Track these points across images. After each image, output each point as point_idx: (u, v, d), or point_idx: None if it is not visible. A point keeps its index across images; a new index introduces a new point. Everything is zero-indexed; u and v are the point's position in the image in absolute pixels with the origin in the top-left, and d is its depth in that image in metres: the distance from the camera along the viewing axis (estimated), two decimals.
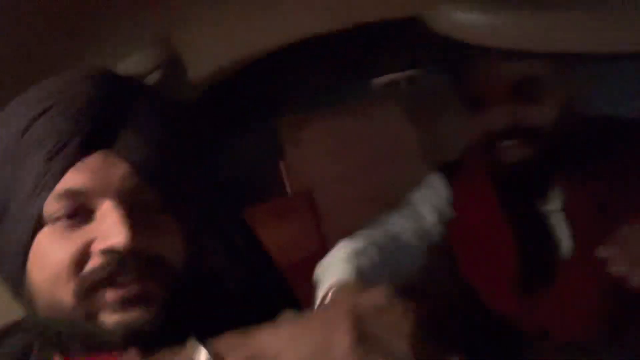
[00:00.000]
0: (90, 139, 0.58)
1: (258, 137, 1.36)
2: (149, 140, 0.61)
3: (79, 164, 0.58)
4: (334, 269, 0.88)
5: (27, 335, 0.68)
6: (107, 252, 0.57)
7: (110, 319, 0.57)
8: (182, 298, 0.61)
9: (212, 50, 0.74)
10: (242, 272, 0.77)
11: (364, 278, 0.84)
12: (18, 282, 0.62)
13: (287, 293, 0.80)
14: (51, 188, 0.57)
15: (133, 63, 0.75)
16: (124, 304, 0.57)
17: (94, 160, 0.58)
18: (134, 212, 0.58)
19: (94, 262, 0.57)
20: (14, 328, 0.70)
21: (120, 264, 0.56)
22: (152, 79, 0.77)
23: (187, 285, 0.63)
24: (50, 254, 0.58)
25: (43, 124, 0.59)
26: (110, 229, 0.56)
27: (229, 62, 0.73)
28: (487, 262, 1.02)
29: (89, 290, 0.57)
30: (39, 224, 0.58)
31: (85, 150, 0.58)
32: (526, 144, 0.95)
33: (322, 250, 0.94)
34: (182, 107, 0.78)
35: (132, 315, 0.58)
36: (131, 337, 0.57)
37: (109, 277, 0.57)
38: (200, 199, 0.70)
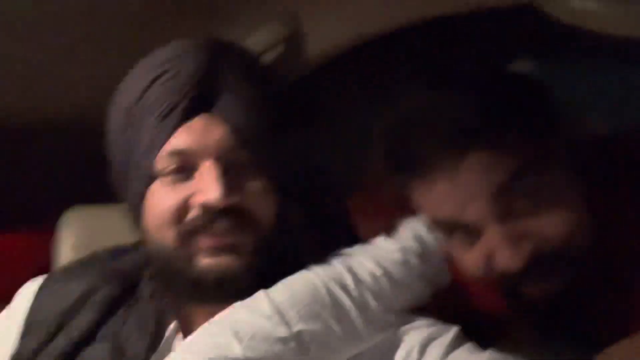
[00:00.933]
0: (194, 103, 0.66)
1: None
2: (246, 104, 0.67)
3: (184, 126, 0.66)
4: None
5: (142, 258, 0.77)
6: (204, 205, 0.65)
7: (204, 262, 0.66)
8: (268, 252, 0.68)
9: (333, 28, 0.77)
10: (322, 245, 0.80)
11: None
12: (138, 224, 0.72)
13: None
14: (161, 147, 0.66)
15: (259, 37, 0.81)
16: (217, 250, 0.65)
17: (197, 122, 0.66)
18: (230, 170, 0.66)
19: (193, 213, 0.66)
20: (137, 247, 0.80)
21: (214, 216, 0.64)
22: (275, 52, 0.82)
23: (273, 242, 0.69)
24: (158, 204, 0.67)
25: (155, 90, 0.67)
26: (207, 185, 0.64)
27: (347, 40, 0.76)
28: None
29: (187, 236, 0.66)
30: (152, 177, 0.67)
31: (190, 113, 0.66)
32: (550, 274, 0.65)
33: None
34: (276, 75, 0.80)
35: (223, 261, 0.65)
36: (221, 280, 0.65)
37: (203, 226, 0.65)
38: (292, 165, 0.75)
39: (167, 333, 0.70)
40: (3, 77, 0.94)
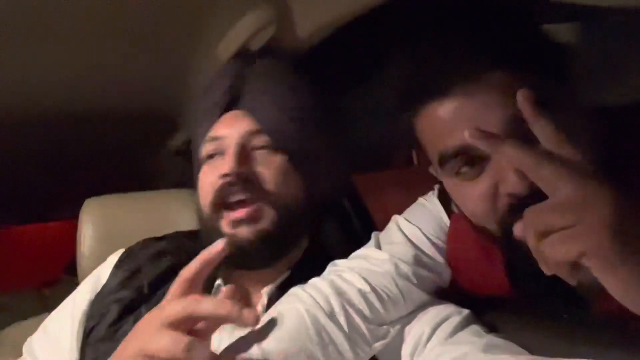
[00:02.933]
0: (226, 102, 0.83)
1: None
2: (265, 100, 0.82)
3: (220, 120, 0.83)
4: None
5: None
6: (221, 176, 0.77)
7: (227, 232, 0.77)
8: (288, 226, 0.78)
9: (320, 6, 0.76)
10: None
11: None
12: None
13: None
14: (205, 136, 0.83)
15: (248, 21, 0.81)
16: (235, 222, 0.77)
17: (227, 116, 0.83)
18: (252, 151, 0.79)
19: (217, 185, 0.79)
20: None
21: (229, 184, 0.77)
22: (266, 34, 0.82)
23: (296, 219, 0.80)
24: (202, 183, 0.83)
25: (205, 97, 0.87)
26: (225, 161, 0.77)
27: (336, 17, 0.75)
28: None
29: (215, 209, 0.79)
30: (202, 161, 0.84)
31: (224, 110, 0.84)
32: None
33: None
34: (299, 71, 0.87)
35: (241, 232, 0.76)
36: (239, 249, 0.76)
37: (222, 198, 0.78)
38: (320, 152, 0.84)
39: (215, 288, 0.82)
40: None
